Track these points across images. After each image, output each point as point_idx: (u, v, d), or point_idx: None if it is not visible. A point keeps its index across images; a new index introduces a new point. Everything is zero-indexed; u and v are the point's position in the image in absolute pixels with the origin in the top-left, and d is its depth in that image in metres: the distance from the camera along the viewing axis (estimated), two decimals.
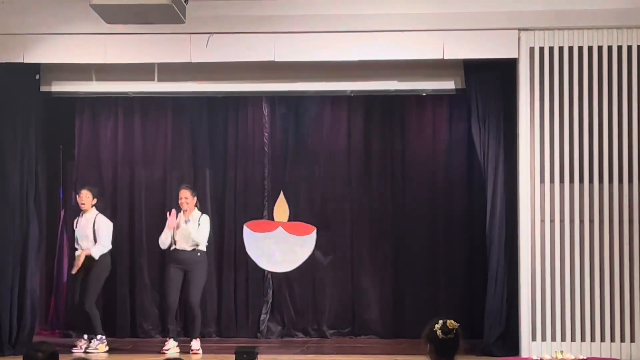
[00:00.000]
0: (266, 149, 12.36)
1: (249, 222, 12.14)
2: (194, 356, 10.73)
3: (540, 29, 10.29)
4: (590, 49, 10.26)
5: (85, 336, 11.11)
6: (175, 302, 11.09)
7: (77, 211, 11.49)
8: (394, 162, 12.31)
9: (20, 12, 10.34)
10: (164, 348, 10.84)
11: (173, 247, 11.04)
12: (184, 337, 11.33)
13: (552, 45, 10.29)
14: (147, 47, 10.35)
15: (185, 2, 7.95)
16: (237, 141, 12.42)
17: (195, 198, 11.17)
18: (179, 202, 11.05)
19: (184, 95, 11.67)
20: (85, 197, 11.12)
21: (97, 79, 10.96)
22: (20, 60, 10.49)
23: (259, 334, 12.06)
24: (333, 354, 10.88)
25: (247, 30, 10.34)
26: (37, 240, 10.96)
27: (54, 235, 12.45)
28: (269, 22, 10.32)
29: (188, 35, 10.25)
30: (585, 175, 10.23)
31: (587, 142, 10.25)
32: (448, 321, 5.40)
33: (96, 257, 11.02)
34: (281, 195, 12.24)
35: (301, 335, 12.09)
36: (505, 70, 10.45)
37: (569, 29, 10.28)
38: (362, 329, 12.21)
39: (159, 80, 10.86)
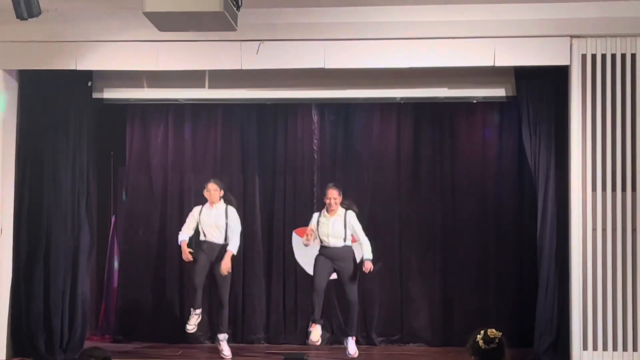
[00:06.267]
0: (315, 156, 12.36)
1: (297, 229, 12.14)
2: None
3: (592, 36, 10.20)
4: None
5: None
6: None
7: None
8: (443, 169, 12.25)
9: (74, 20, 10.41)
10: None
11: None
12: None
13: (604, 52, 10.20)
14: (198, 54, 10.39)
15: (237, 9, 7.96)
16: (287, 148, 12.43)
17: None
18: None
19: (234, 102, 11.72)
20: (213, 190, 11.09)
21: (149, 86, 11.04)
22: (73, 68, 10.56)
23: (307, 341, 12.02)
24: None
25: (297, 38, 10.35)
26: (88, 245, 11.05)
27: (104, 241, 12.55)
28: (319, 30, 10.31)
29: (239, 42, 10.28)
30: (638, 183, 10.11)
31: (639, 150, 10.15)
32: (489, 330, 5.28)
33: (235, 252, 11.02)
34: None
35: None
36: (557, 77, 10.38)
37: (621, 36, 10.18)
38: (411, 336, 12.15)
39: (210, 87, 10.94)
